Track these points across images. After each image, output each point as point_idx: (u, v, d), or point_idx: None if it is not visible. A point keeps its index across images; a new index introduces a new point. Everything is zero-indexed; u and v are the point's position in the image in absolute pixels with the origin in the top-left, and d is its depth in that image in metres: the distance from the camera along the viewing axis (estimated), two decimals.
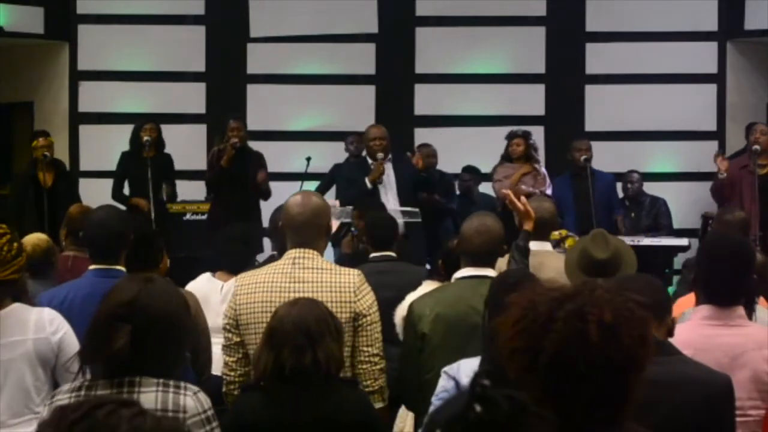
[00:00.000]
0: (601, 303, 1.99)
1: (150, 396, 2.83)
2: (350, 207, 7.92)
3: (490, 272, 4.28)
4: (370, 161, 8.51)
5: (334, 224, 8.27)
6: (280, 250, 5.06)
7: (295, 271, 4.02)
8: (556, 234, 6.47)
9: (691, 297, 3.82)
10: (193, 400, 2.88)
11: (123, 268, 4.26)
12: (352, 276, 4.06)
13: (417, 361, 4.19)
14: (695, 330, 3.43)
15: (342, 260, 7.13)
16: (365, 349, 4.01)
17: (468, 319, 4.14)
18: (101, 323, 2.86)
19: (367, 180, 8.38)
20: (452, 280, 4.39)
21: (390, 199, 8.33)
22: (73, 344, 3.58)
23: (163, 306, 2.88)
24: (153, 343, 2.84)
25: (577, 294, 2.01)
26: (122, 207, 9.26)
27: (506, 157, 9.01)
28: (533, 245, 4.98)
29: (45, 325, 3.58)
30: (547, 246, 5.22)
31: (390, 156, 8.51)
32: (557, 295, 2.01)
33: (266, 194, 9.20)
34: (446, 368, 3.65)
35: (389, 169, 8.47)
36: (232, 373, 4.02)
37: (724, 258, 3.59)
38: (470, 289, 4.22)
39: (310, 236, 4.07)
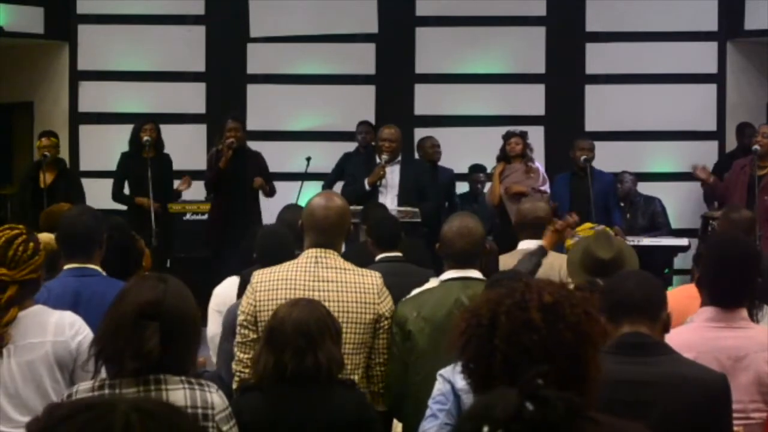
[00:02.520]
0: (538, 289, 2.03)
1: (179, 393, 2.87)
2: (357, 207, 7.91)
3: (475, 273, 4.27)
4: (378, 159, 8.54)
5: None
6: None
7: (318, 270, 3.99)
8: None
9: (681, 290, 3.78)
10: (218, 396, 2.95)
11: (97, 267, 4.27)
12: (375, 278, 4.05)
13: (402, 363, 4.17)
14: (697, 332, 3.41)
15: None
16: (384, 351, 4.04)
17: (453, 321, 4.12)
18: (124, 322, 2.88)
19: (366, 182, 8.39)
20: (436, 282, 4.38)
21: (388, 201, 8.33)
22: None
23: (186, 305, 2.94)
24: (178, 342, 2.89)
25: (514, 290, 2.05)
26: (123, 207, 9.32)
27: (502, 158, 9.04)
28: (528, 244, 4.97)
29: (65, 328, 3.56)
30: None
31: (399, 158, 8.54)
32: (495, 297, 2.06)
33: (270, 193, 9.18)
34: (441, 371, 3.62)
35: (394, 172, 8.47)
36: (247, 370, 3.89)
37: (732, 261, 3.56)
38: (455, 291, 4.21)
39: (333, 237, 4.06)
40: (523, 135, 9.03)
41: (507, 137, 9.03)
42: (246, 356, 3.94)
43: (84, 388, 2.97)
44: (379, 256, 5.65)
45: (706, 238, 7.93)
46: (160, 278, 3.00)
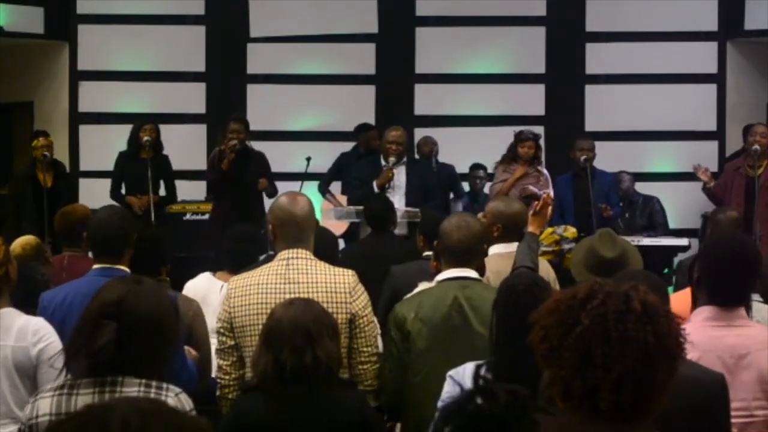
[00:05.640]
0: (644, 290, 2.06)
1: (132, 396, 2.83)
2: (359, 207, 7.94)
3: (472, 273, 4.24)
4: (383, 162, 8.55)
5: (337, 225, 8.31)
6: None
7: (289, 273, 4.01)
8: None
9: (686, 293, 3.79)
10: (174, 401, 2.86)
11: (125, 268, 4.26)
12: (347, 276, 4.04)
13: (401, 363, 4.15)
14: (699, 331, 3.41)
15: None
16: (364, 349, 4.02)
17: (450, 322, 4.13)
18: (87, 320, 2.86)
19: (374, 184, 8.41)
20: (434, 282, 4.35)
21: (396, 202, 8.33)
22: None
23: (151, 307, 2.88)
24: (138, 344, 2.84)
25: (619, 285, 2.07)
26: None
27: (510, 157, 8.85)
28: (502, 248, 4.91)
29: (27, 334, 3.56)
30: (515, 247, 5.17)
31: (405, 159, 8.54)
32: (600, 281, 2.08)
33: (271, 195, 9.21)
34: (451, 372, 3.62)
35: (400, 173, 8.49)
36: (227, 377, 3.98)
37: (731, 260, 3.56)
38: (452, 291, 4.18)
39: (303, 235, 4.07)
40: (537, 138, 8.80)
41: (521, 139, 8.70)
42: (225, 363, 3.99)
43: (47, 388, 2.95)
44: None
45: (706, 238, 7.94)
46: (135, 280, 2.98)
